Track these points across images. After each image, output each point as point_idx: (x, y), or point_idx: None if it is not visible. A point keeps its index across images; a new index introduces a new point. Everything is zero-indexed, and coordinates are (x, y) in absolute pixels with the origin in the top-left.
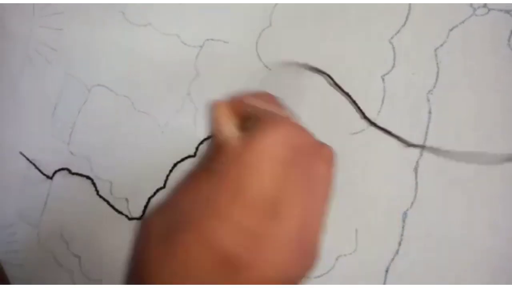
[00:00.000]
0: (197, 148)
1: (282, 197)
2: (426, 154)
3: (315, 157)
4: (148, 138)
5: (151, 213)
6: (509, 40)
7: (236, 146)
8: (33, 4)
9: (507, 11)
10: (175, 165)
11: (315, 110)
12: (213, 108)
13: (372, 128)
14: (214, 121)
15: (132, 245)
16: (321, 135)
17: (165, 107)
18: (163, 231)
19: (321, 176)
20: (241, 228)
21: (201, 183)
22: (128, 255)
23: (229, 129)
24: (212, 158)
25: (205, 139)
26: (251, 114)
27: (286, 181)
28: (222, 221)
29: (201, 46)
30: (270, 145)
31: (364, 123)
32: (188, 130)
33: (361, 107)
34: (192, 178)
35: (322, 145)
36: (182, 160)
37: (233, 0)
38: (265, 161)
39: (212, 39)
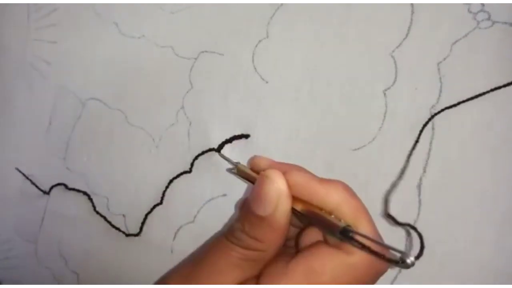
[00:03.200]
0: (192, 164)
1: None
2: (429, 171)
3: None
4: (142, 152)
5: (174, 276)
6: None
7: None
8: (28, 16)
9: None
10: (171, 181)
11: (315, 126)
12: (272, 183)
13: (374, 144)
14: (269, 198)
15: None
16: (322, 152)
17: (159, 120)
18: None
19: None
20: None
21: (230, 258)
22: None
23: (286, 212)
24: (250, 233)
25: (199, 155)
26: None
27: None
28: None
29: (195, 58)
30: (362, 273)
31: (365, 139)
32: (182, 144)
33: (363, 123)
34: (219, 248)
35: None
36: (178, 176)
37: (229, 10)
38: (348, 279)
39: (206, 51)
